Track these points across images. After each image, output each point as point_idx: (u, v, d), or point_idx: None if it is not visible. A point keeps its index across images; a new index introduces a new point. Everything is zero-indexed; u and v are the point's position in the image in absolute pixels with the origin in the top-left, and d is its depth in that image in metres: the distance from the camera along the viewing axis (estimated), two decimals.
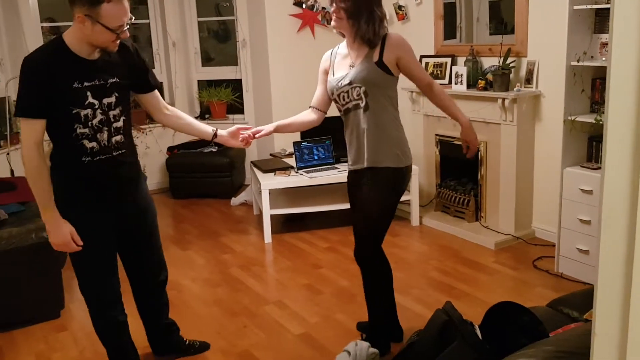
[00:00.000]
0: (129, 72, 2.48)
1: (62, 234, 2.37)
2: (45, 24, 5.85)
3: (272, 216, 4.71)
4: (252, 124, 6.33)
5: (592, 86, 3.71)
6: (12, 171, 5.16)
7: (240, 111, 6.48)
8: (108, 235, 2.55)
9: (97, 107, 2.34)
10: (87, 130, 2.33)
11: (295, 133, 3.62)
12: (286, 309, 3.57)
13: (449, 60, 4.89)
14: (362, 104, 2.72)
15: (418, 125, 5.13)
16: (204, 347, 3.13)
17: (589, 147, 3.78)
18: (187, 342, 3.11)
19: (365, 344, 1.95)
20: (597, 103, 3.69)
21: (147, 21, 6.42)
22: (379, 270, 2.95)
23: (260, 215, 5.03)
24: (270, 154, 5.69)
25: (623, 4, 0.81)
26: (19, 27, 5.49)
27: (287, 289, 3.88)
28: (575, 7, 3.50)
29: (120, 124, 2.44)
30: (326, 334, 3.22)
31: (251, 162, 5.37)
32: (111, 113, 2.40)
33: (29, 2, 5.60)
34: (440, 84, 4.81)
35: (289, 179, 4.79)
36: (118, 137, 2.44)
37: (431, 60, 5.02)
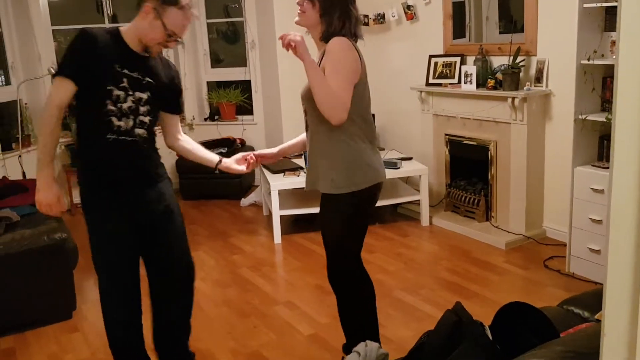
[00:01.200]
0: (166, 85, 2.56)
1: (51, 193, 2.40)
2: (55, 27, 5.89)
3: (281, 217, 4.72)
4: (262, 125, 6.37)
5: (602, 85, 3.69)
6: (24, 173, 5.20)
7: (250, 112, 6.50)
8: (127, 240, 2.51)
9: (130, 93, 2.39)
10: (115, 109, 2.36)
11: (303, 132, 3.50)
12: (296, 309, 3.58)
13: (458, 59, 4.88)
14: (306, 121, 2.55)
15: (427, 125, 5.12)
16: None
17: (599, 146, 3.76)
18: None
19: (375, 344, 1.95)
20: (608, 102, 3.66)
21: None
22: (350, 291, 2.68)
23: (269, 215, 5.04)
24: None
25: (630, 2, 0.80)
26: (30, 31, 5.53)
27: (297, 289, 3.88)
28: (585, 5, 3.48)
29: (146, 120, 2.46)
30: (336, 335, 3.21)
31: (261, 163, 5.37)
32: (140, 108, 2.43)
33: (40, 6, 5.64)
34: (450, 84, 4.83)
35: (299, 180, 4.79)
36: (141, 131, 2.45)
37: (440, 60, 5.01)
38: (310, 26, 2.46)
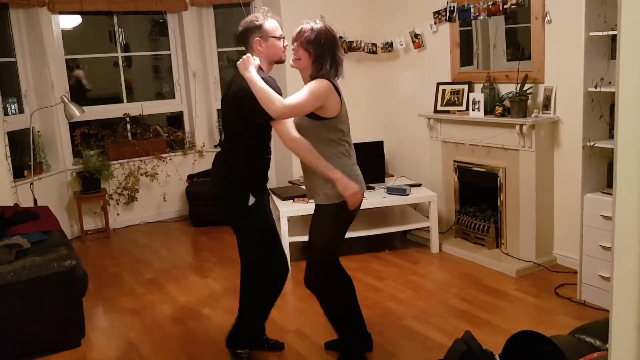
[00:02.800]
0: None
1: (354, 185, 2.90)
2: (68, 57, 5.99)
3: (291, 243, 4.72)
4: (272, 150, 6.39)
5: (610, 112, 3.70)
6: (35, 200, 5.25)
7: None
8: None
9: None
10: (270, 135, 3.04)
11: None
12: (306, 338, 3.56)
13: (465, 87, 4.91)
14: None
15: (436, 152, 5.13)
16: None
17: (608, 172, 3.75)
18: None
19: None
20: None
21: (168, 52, 6.55)
22: (334, 289, 3.14)
23: None
24: (289, 181, 5.72)
25: (629, 30, 0.82)
26: (43, 60, 5.63)
27: (307, 317, 3.86)
28: (591, 33, 3.51)
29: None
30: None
31: (270, 189, 5.39)
32: None
33: (54, 36, 5.75)
34: (458, 111, 4.86)
35: (308, 206, 4.79)
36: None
37: (448, 87, 5.05)
38: (303, 69, 2.94)
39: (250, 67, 2.83)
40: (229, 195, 3.06)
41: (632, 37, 0.82)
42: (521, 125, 4.25)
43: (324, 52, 2.85)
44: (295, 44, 2.89)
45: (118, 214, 6.19)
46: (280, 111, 2.77)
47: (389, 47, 5.62)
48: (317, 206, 3.02)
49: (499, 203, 4.66)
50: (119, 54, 6.36)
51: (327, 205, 2.95)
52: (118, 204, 6.15)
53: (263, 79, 2.82)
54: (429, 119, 5.10)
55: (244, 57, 2.88)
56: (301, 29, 2.88)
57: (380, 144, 5.38)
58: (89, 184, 5.78)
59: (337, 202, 2.92)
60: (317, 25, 2.88)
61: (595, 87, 3.55)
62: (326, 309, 3.15)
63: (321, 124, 2.89)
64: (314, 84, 2.83)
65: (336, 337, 3.28)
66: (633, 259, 0.82)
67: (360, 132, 5.84)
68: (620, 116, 0.82)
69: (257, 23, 2.93)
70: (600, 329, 2.38)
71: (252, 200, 3.00)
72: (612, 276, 0.87)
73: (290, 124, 2.87)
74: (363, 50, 5.77)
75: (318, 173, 2.90)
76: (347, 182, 2.87)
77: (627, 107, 0.82)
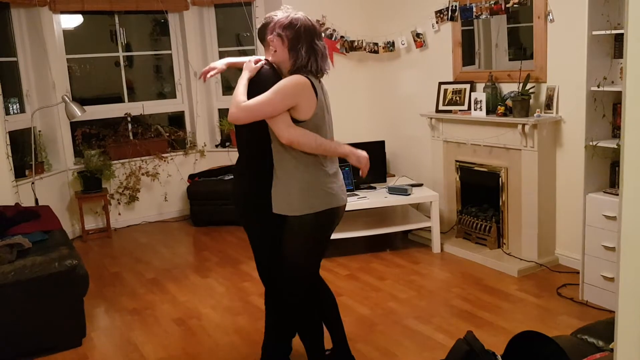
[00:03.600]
0: None
1: (360, 152, 2.75)
2: (70, 56, 5.99)
3: None
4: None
5: (613, 111, 3.68)
6: (36, 200, 5.25)
7: None
8: None
9: None
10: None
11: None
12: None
13: (467, 86, 4.90)
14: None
15: (438, 151, 5.12)
16: None
17: (611, 172, 3.74)
18: None
19: None
20: (619, 128, 3.65)
21: (169, 52, 6.54)
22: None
23: None
24: None
25: (636, 28, 0.81)
26: (45, 59, 5.62)
27: None
28: (594, 32, 3.50)
29: None
30: None
31: None
32: None
33: (55, 36, 5.75)
34: (460, 111, 4.85)
35: None
36: None
37: (450, 87, 5.03)
38: (281, 62, 2.68)
39: (245, 72, 2.68)
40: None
41: (639, 35, 0.81)
42: (523, 125, 4.24)
43: (299, 38, 2.60)
44: (269, 34, 2.66)
45: (119, 214, 6.19)
46: (234, 115, 2.56)
47: (390, 46, 5.61)
48: (280, 218, 2.74)
49: (500, 203, 4.64)
50: (120, 54, 6.35)
51: (293, 217, 2.68)
52: (119, 203, 6.15)
53: (261, 72, 2.66)
54: (431, 118, 5.08)
55: (246, 61, 2.74)
56: (274, 17, 2.67)
57: (381, 144, 5.37)
58: (90, 184, 5.78)
59: (303, 214, 2.65)
60: (293, 13, 2.67)
61: (598, 87, 3.53)
62: (286, 318, 2.99)
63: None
64: (283, 81, 2.57)
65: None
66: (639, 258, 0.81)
67: (361, 132, 5.84)
68: (627, 114, 0.81)
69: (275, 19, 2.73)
70: (602, 329, 2.37)
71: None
72: (617, 276, 0.86)
73: (283, 117, 2.56)
74: (365, 49, 5.76)
75: (281, 184, 2.68)
76: (355, 152, 2.73)
77: (634, 105, 0.81)
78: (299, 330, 2.94)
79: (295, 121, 2.57)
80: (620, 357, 0.86)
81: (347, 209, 4.75)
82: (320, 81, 2.72)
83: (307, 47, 2.60)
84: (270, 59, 2.70)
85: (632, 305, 0.81)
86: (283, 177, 2.68)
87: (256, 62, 2.70)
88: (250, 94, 2.60)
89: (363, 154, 2.75)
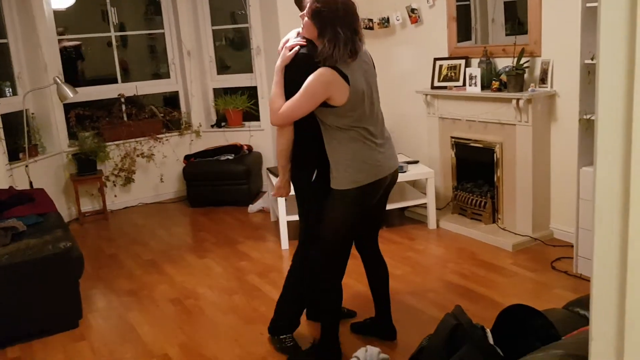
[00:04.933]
0: None
1: (277, 182, 3.03)
2: (61, 37, 5.93)
3: (289, 222, 4.71)
4: (268, 131, 6.37)
5: None
6: (30, 183, 5.23)
7: (256, 118, 6.51)
8: None
9: None
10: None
11: None
12: (302, 316, 3.56)
13: (462, 62, 4.86)
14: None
15: (433, 128, 5.10)
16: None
17: None
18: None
19: (376, 349, 1.93)
20: None
21: (162, 31, 6.49)
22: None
23: (277, 222, 5.03)
24: None
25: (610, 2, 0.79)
26: (35, 40, 5.57)
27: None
28: (588, 4, 3.46)
29: None
30: (345, 342, 3.20)
31: (267, 168, 5.38)
32: None
33: (46, 16, 5.68)
34: (455, 87, 4.81)
35: None
36: None
37: (445, 63, 5.00)
38: (312, 39, 2.71)
39: (280, 61, 2.74)
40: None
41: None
42: (518, 100, 4.22)
43: (325, 28, 2.57)
44: (305, 10, 2.65)
45: (115, 196, 6.18)
46: (273, 122, 2.75)
47: (385, 22, 5.56)
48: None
49: (495, 178, 4.64)
50: (112, 34, 6.30)
51: (337, 190, 2.80)
52: (115, 185, 6.14)
53: (296, 57, 2.70)
54: (426, 95, 5.05)
55: (287, 44, 2.75)
56: None
57: None
58: (85, 166, 5.77)
59: (347, 188, 2.77)
60: None
61: (592, 59, 3.50)
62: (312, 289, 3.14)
63: (326, 110, 2.68)
64: (309, 80, 2.59)
65: (362, 319, 3.35)
66: (614, 228, 0.81)
67: None
68: (600, 85, 0.80)
69: None
70: None
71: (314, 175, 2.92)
72: (593, 244, 0.85)
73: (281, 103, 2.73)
74: None
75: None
76: (276, 187, 3.01)
77: (607, 75, 0.80)
78: (319, 303, 3.10)
79: (331, 107, 2.64)
80: (595, 331, 0.86)
81: None
82: (356, 58, 2.65)
83: (330, 36, 2.56)
84: (302, 32, 2.74)
85: (605, 278, 0.81)
86: (331, 152, 2.78)
87: (291, 47, 2.72)
88: (286, 80, 2.72)
89: (277, 191, 3.05)
